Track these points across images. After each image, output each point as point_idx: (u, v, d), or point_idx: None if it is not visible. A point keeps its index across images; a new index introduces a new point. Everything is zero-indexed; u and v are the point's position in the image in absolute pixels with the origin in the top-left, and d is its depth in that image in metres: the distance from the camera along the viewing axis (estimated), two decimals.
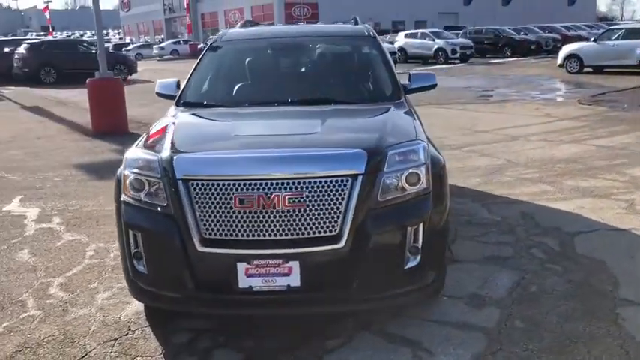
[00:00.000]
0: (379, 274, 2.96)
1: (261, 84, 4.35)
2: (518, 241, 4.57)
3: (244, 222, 2.84)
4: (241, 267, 2.85)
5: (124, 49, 46.99)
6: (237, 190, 2.84)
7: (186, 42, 47.12)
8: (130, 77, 22.47)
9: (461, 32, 33.53)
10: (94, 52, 21.29)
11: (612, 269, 3.99)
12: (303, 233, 2.84)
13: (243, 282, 2.86)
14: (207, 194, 2.86)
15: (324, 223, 2.84)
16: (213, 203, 2.85)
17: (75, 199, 6.13)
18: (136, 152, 3.15)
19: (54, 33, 58.47)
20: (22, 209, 5.83)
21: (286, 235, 2.84)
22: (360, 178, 2.87)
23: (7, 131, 11.07)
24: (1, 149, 9.26)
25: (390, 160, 2.97)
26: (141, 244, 3.02)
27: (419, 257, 3.01)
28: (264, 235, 2.84)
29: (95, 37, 11.08)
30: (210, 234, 2.86)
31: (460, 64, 27.26)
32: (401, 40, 30.57)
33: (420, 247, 3.00)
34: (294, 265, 2.84)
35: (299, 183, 2.83)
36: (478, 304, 3.55)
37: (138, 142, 3.41)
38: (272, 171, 2.86)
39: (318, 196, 2.83)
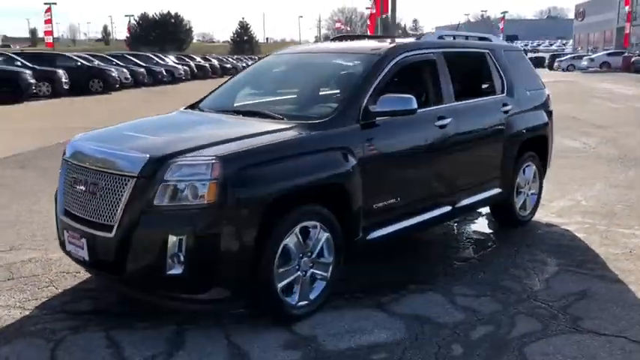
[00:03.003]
0: (142, 271, 3.24)
1: (236, 94, 4.68)
2: (492, 314, 3.69)
3: (73, 198, 3.56)
4: (65, 234, 3.58)
5: (557, 58, 46.25)
6: (74, 172, 3.57)
7: (619, 53, 42.56)
8: None
9: None
10: None
11: None
12: (94, 217, 3.38)
13: (68, 246, 3.59)
14: (67, 172, 3.68)
15: (107, 212, 3.30)
16: (67, 180, 3.66)
17: None
18: (74, 137, 4.13)
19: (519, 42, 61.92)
20: None
21: (86, 215, 3.43)
22: (134, 180, 3.20)
23: None
24: None
25: (172, 169, 3.16)
26: None
27: (182, 268, 3.14)
28: (76, 212, 3.50)
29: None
30: (65, 205, 3.68)
31: None
32: None
33: (182, 257, 3.12)
34: (84, 242, 3.41)
35: (99, 174, 3.38)
36: (296, 345, 3.28)
37: None
38: (89, 161, 3.48)
39: (107, 188, 3.31)
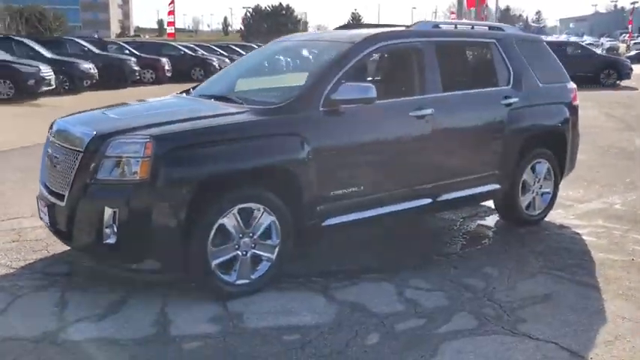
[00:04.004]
0: (85, 239, 3.52)
1: (225, 81, 4.81)
2: (434, 309, 3.62)
3: (47, 170, 3.92)
4: (39, 201, 3.95)
5: None
6: (50, 146, 3.93)
7: None
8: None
9: None
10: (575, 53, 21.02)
11: None
12: (54, 187, 3.72)
13: (40, 213, 3.96)
14: (47, 147, 4.05)
15: (62, 183, 3.63)
16: (46, 154, 4.03)
17: None
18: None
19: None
20: None
21: (50, 185, 3.77)
22: (81, 154, 3.49)
23: None
24: None
25: (112, 146, 3.41)
26: None
27: (115, 238, 3.39)
28: (47, 182, 3.86)
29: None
30: (42, 176, 4.05)
31: None
32: None
33: (115, 228, 3.37)
34: (46, 209, 3.75)
35: (62, 149, 3.71)
36: (219, 320, 3.42)
37: None
38: (59, 138, 3.81)
39: (65, 161, 3.63)
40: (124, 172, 3.37)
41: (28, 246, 4.59)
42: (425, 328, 3.37)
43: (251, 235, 3.67)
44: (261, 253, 3.74)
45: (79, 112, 4.35)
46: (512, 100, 4.90)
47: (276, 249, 3.77)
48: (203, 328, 3.32)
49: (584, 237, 5.03)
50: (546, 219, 5.45)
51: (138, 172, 3.33)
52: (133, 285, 3.78)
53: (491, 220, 5.53)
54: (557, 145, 5.32)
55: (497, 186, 4.92)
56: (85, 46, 20.75)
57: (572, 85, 5.54)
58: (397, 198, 4.33)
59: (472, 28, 5.15)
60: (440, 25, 4.82)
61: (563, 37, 70.68)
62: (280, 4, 72.23)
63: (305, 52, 4.83)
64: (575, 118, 5.52)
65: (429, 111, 4.35)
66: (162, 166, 3.34)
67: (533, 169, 5.20)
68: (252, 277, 3.72)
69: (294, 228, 3.82)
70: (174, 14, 52.73)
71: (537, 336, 3.28)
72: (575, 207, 5.92)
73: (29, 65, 15.53)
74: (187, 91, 4.89)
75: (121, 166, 3.38)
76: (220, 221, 3.52)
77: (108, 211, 3.38)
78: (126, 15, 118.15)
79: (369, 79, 4.76)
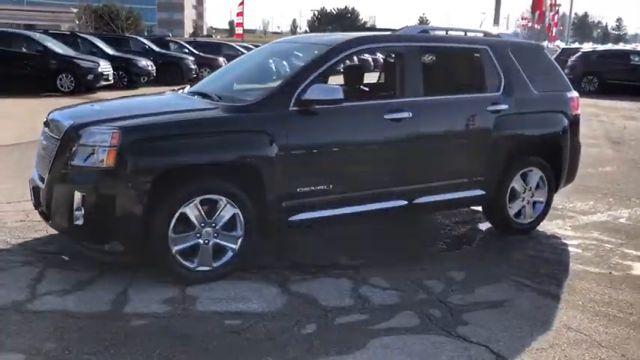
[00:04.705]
0: (60, 220, 3.83)
1: (215, 80, 5.04)
2: (380, 306, 3.72)
3: (38, 157, 4.27)
4: (29, 186, 4.31)
5: None
6: (42, 135, 4.28)
7: None
8: None
9: None
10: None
11: None
12: (40, 171, 4.06)
13: (30, 194, 4.31)
14: (41, 136, 4.41)
15: (45, 168, 3.96)
16: (39, 142, 4.39)
17: None
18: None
19: None
20: None
21: (39, 171, 4.12)
22: (59, 142, 3.81)
23: None
24: None
25: (84, 136, 3.70)
26: None
27: (82, 220, 3.68)
28: (37, 168, 4.21)
29: None
30: (36, 162, 4.42)
31: None
32: None
33: (82, 211, 3.66)
34: (31, 192, 4.11)
35: (48, 138, 4.05)
36: (173, 302, 3.64)
37: None
38: (48, 128, 4.15)
39: (49, 149, 3.96)
40: (93, 160, 3.66)
41: (31, 226, 4.96)
42: (364, 323, 3.47)
43: (213, 225, 3.88)
44: (225, 243, 3.94)
45: (74, 105, 4.69)
46: (500, 107, 4.89)
47: (240, 240, 3.96)
48: (154, 308, 3.55)
49: (570, 248, 4.96)
50: (540, 229, 5.39)
51: (105, 159, 3.61)
52: (108, 266, 4.06)
53: (484, 226, 5.51)
54: (551, 155, 5.25)
55: (482, 192, 4.93)
56: (146, 44, 21.69)
57: (573, 93, 5.45)
58: (369, 198, 4.42)
59: (465, 34, 5.17)
60: (428, 31, 4.88)
61: None
62: (346, 7, 72.95)
63: (295, 54, 5.00)
64: (576, 128, 5.44)
65: (405, 114, 4.42)
66: (127, 155, 3.60)
67: (524, 177, 5.15)
68: (214, 264, 3.92)
69: (258, 221, 3.99)
70: (242, 15, 53.91)
71: (471, 339, 3.32)
72: (576, 218, 5.82)
73: (89, 61, 16.45)
74: (183, 88, 5.16)
75: (91, 154, 3.66)
76: (182, 210, 3.74)
77: (77, 195, 3.66)
78: (200, 15, 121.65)
79: (353, 80, 4.88)
